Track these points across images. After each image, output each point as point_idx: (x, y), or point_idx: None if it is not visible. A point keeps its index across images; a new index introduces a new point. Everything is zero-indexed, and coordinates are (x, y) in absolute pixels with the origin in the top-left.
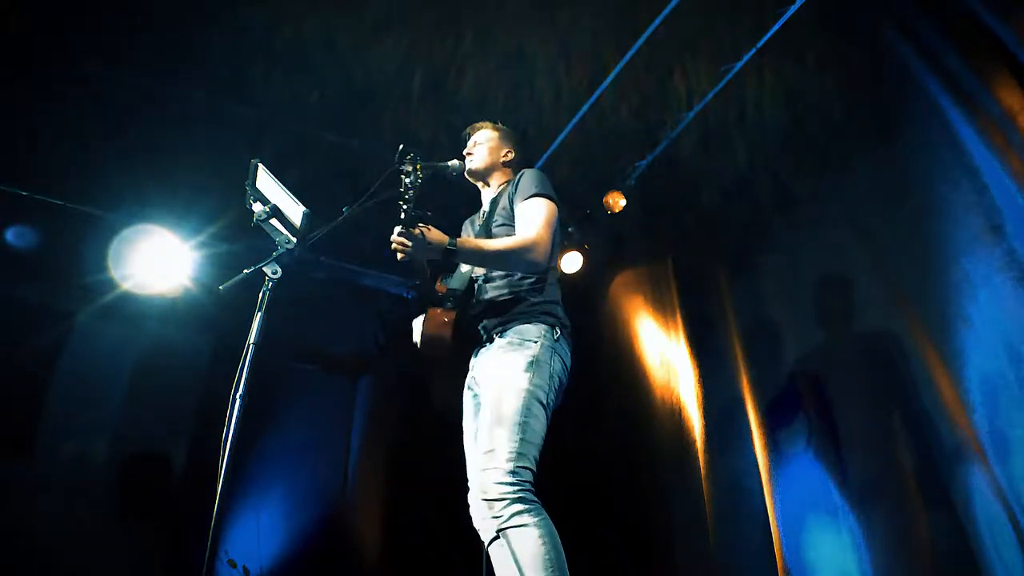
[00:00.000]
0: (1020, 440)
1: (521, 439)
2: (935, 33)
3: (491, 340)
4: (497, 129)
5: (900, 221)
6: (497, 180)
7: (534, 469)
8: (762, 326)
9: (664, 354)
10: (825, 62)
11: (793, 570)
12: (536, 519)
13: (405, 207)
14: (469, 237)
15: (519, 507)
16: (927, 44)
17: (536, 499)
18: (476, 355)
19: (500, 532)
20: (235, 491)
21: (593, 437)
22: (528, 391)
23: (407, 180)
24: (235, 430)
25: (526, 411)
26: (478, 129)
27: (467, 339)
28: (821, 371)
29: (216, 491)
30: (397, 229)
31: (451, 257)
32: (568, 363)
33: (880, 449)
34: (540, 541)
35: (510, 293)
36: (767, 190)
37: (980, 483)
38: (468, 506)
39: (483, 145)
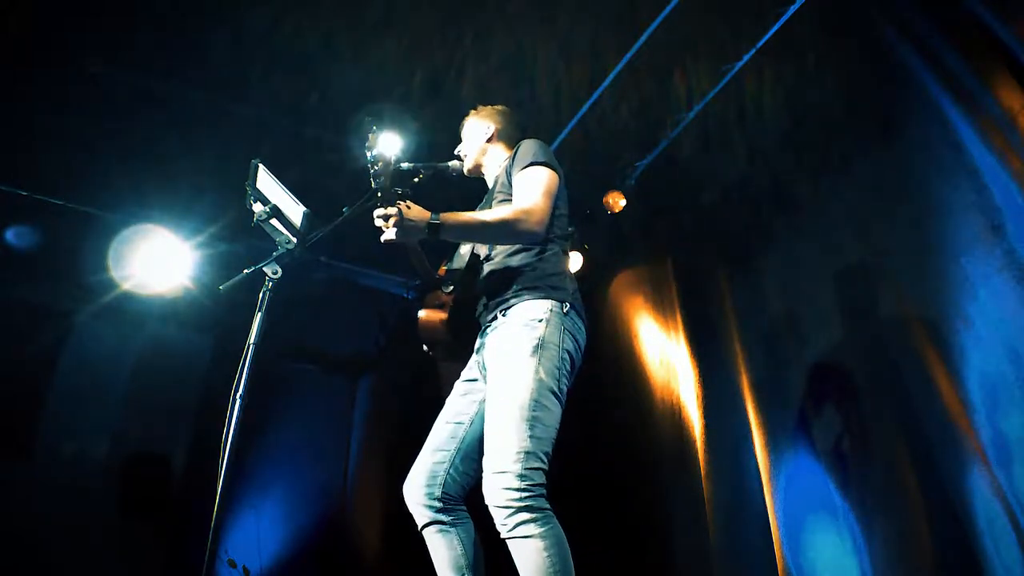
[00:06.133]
0: (1020, 440)
1: (530, 437)
2: (935, 33)
3: (495, 319)
4: (476, 112)
5: (900, 221)
6: (492, 161)
7: (546, 468)
8: (762, 326)
9: (664, 354)
10: (825, 62)
11: (793, 570)
12: (542, 529)
13: (376, 182)
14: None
15: (525, 516)
16: (927, 44)
17: (545, 506)
18: (482, 335)
19: (505, 541)
20: (235, 491)
21: (593, 437)
22: (537, 380)
23: (370, 155)
24: (235, 430)
25: (535, 404)
26: (462, 128)
27: (468, 321)
28: (821, 371)
29: (216, 491)
30: (375, 212)
31: (436, 233)
32: (582, 340)
33: (880, 449)
34: (544, 554)
35: (512, 267)
36: (767, 190)
37: (980, 483)
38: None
39: (466, 139)
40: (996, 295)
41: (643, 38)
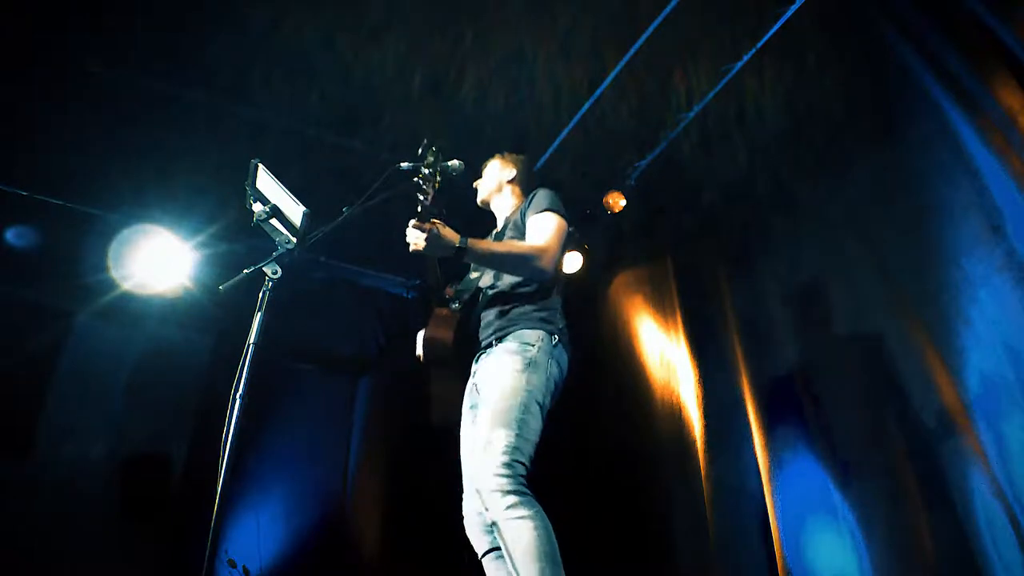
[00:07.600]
0: (1020, 440)
1: (518, 434)
2: (935, 33)
3: (491, 346)
4: (500, 156)
5: (900, 221)
6: (506, 200)
7: (528, 465)
8: (762, 326)
9: (664, 354)
10: (825, 62)
11: (793, 570)
12: (530, 511)
13: (422, 199)
14: (481, 239)
15: (515, 498)
16: (927, 44)
17: (529, 491)
18: (477, 361)
19: (494, 523)
20: (235, 491)
21: (593, 437)
22: (526, 391)
23: (426, 171)
24: (235, 430)
25: (524, 408)
26: (485, 165)
27: (469, 343)
28: (821, 371)
29: (216, 491)
30: (412, 222)
31: (461, 256)
32: (565, 369)
33: (880, 449)
34: (535, 533)
35: (513, 300)
36: (767, 190)
37: (980, 483)
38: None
39: (488, 175)
40: (996, 295)
41: (643, 38)
